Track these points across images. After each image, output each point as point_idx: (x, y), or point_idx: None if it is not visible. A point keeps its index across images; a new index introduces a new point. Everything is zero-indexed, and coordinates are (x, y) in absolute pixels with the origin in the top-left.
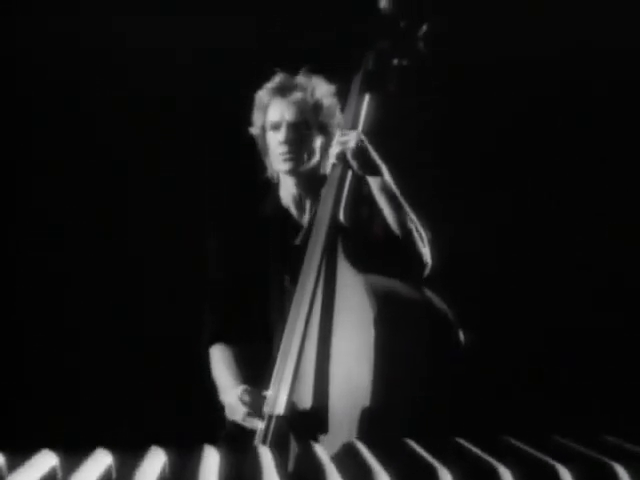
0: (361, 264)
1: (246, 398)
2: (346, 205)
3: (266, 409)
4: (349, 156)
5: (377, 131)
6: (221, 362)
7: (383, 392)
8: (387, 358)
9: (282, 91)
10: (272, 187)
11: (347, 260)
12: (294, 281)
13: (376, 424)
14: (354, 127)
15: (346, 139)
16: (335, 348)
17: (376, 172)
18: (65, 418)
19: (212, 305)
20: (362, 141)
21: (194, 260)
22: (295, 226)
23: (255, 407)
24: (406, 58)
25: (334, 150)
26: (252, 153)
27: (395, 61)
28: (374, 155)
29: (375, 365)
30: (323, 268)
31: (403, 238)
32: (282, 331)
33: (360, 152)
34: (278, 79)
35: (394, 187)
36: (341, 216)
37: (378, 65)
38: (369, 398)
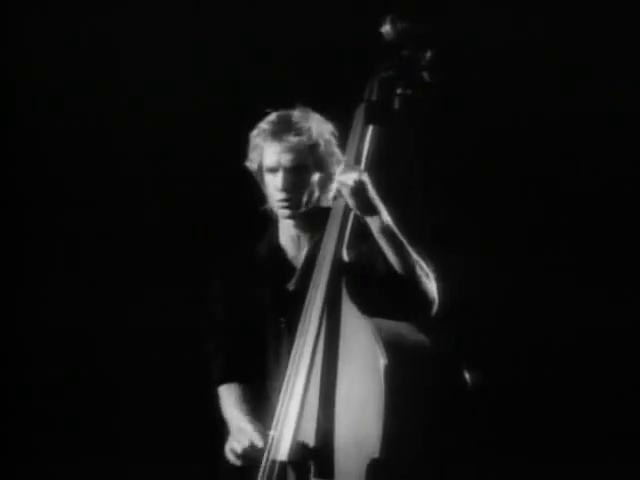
0: (366, 306)
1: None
2: (348, 243)
3: (268, 453)
4: (347, 195)
5: (380, 165)
6: (231, 400)
7: (393, 444)
8: (398, 410)
9: (276, 134)
10: (270, 222)
11: (352, 302)
12: (290, 323)
13: (385, 476)
14: (357, 162)
15: (346, 177)
16: (341, 393)
17: (374, 212)
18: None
19: (217, 346)
20: (362, 181)
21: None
22: (290, 267)
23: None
24: (410, 87)
25: (333, 187)
26: (251, 189)
27: (399, 90)
28: (373, 194)
29: (385, 416)
30: (326, 309)
31: (407, 276)
32: (278, 373)
33: (358, 191)
34: (271, 119)
35: (393, 226)
36: (344, 254)
37: (381, 96)
38: (378, 449)
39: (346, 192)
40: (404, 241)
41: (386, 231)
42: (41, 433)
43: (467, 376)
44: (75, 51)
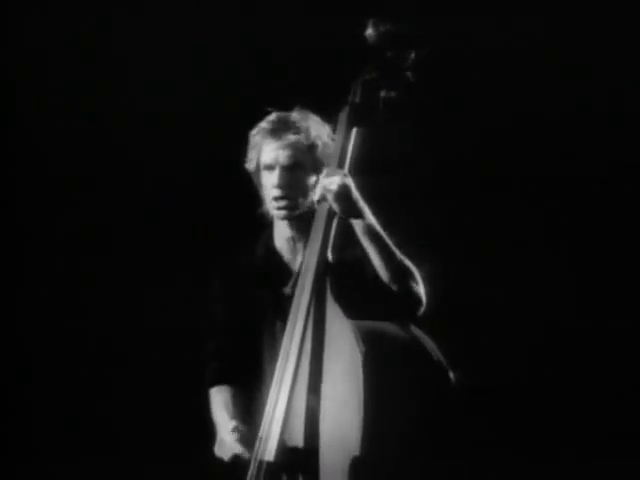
0: (350, 309)
1: (236, 433)
2: (334, 245)
3: (256, 454)
4: (331, 199)
5: (364, 167)
6: (219, 403)
7: (374, 442)
8: (376, 406)
9: (275, 132)
10: (267, 225)
11: (337, 304)
12: (286, 326)
13: (367, 474)
14: (340, 165)
15: (329, 181)
16: (325, 394)
17: (359, 215)
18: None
19: (216, 346)
20: (345, 185)
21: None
22: (287, 271)
23: (245, 443)
24: (394, 89)
25: (317, 191)
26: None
27: (383, 93)
28: (357, 197)
29: (365, 414)
30: (312, 312)
31: (391, 278)
32: (273, 374)
33: (342, 195)
34: (271, 119)
35: (379, 228)
36: (330, 257)
37: (365, 97)
38: (359, 447)
39: (330, 196)
40: (389, 242)
41: (370, 232)
42: (41, 433)
43: (451, 375)
44: (75, 51)
